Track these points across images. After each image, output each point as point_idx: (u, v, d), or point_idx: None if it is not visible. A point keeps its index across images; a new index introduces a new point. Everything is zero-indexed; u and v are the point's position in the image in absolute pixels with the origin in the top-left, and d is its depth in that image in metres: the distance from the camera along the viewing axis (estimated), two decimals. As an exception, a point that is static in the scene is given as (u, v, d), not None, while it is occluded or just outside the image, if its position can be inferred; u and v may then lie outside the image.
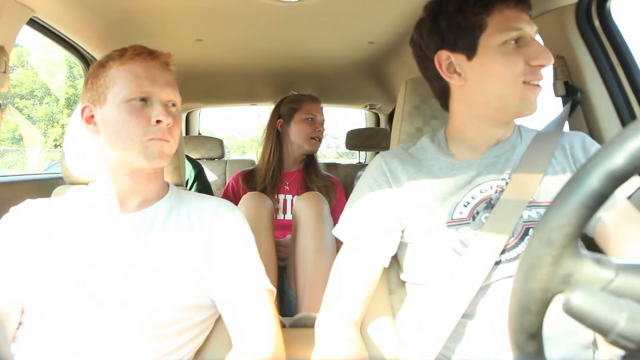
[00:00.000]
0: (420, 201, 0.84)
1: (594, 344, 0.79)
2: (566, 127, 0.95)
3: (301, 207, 1.53)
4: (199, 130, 3.62)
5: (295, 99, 1.96)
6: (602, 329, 0.33)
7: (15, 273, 0.80)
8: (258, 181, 1.84)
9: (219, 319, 0.90)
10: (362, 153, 3.26)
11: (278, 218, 1.78)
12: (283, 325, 1.17)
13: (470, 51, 0.82)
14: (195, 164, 2.09)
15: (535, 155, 0.84)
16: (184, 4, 1.49)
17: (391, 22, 1.68)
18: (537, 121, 0.92)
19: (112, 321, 0.76)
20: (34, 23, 1.45)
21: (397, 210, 0.85)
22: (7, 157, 14.07)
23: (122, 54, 0.86)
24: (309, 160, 1.94)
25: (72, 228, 0.84)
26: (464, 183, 0.84)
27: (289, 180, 1.89)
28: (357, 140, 2.89)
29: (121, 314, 0.77)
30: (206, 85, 2.68)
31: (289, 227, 1.65)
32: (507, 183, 0.82)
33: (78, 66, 1.98)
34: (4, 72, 1.19)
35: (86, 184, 0.97)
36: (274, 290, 0.89)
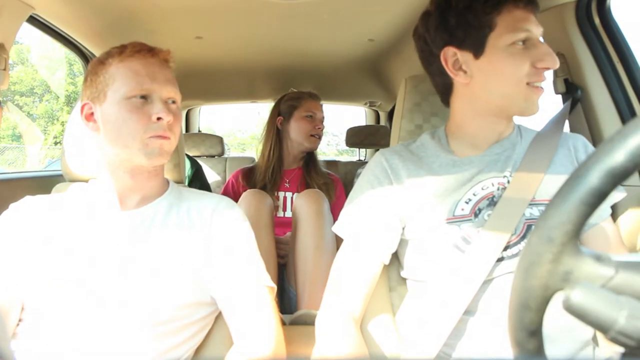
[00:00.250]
0: (421, 198, 0.84)
1: (594, 341, 0.80)
2: (566, 124, 0.95)
3: (301, 204, 1.53)
4: (199, 128, 3.62)
5: (295, 96, 1.95)
6: (602, 327, 0.33)
7: (14, 270, 0.80)
8: (258, 178, 1.84)
9: (219, 316, 0.90)
10: (362, 150, 3.25)
11: (278, 215, 1.78)
12: (283, 323, 1.17)
13: (478, 50, 0.81)
14: (193, 162, 2.08)
15: (537, 154, 0.84)
16: (184, 2, 1.49)
17: (391, 20, 1.67)
18: (536, 121, 0.92)
19: (112, 319, 0.77)
20: (34, 20, 1.44)
21: (397, 208, 0.85)
22: (7, 154, 14.07)
23: (121, 51, 0.86)
24: (309, 157, 1.94)
25: (72, 225, 0.84)
26: (465, 180, 0.84)
27: (288, 178, 1.89)
28: (357, 137, 2.89)
29: (121, 311, 0.77)
30: (206, 82, 2.67)
31: (289, 224, 1.65)
32: (509, 181, 0.82)
33: (78, 63, 1.98)
34: (4, 69, 1.19)
35: (86, 181, 0.97)
36: (275, 287, 0.89)
